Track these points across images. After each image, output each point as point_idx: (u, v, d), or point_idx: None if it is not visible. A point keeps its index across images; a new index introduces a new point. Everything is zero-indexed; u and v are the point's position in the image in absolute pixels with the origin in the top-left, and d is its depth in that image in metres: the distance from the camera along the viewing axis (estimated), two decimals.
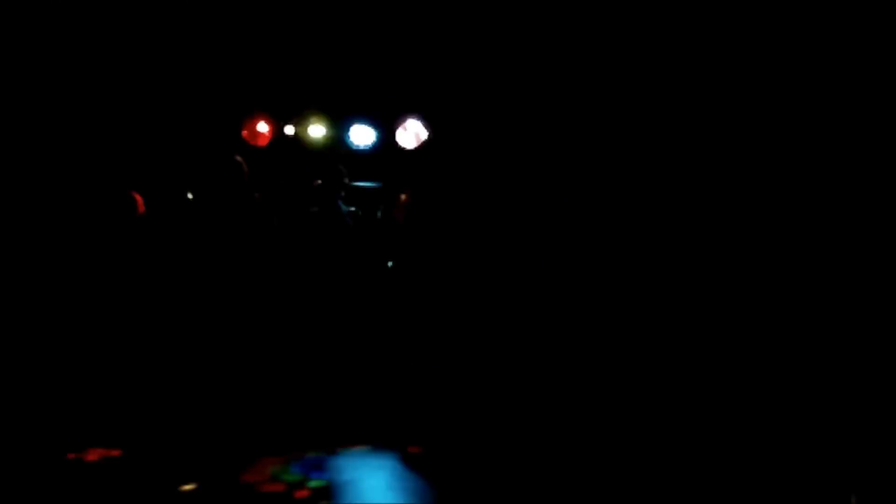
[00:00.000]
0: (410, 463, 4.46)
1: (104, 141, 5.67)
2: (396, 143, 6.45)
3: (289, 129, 6.45)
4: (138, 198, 5.08)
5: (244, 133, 6.26)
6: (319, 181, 5.11)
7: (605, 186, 5.80)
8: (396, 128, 6.45)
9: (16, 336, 4.92)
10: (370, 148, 6.42)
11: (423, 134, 6.45)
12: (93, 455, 4.39)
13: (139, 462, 4.33)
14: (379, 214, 5.49)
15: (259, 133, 6.31)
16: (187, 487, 4.05)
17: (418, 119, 6.48)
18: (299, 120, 6.43)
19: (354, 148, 6.42)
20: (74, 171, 5.40)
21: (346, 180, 5.26)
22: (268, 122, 6.33)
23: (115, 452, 4.42)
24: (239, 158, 4.93)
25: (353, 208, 5.30)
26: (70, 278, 5.03)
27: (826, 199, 5.19)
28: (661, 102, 6.41)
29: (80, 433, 4.61)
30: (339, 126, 6.42)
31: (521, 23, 6.62)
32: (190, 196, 5.21)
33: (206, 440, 4.61)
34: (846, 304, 4.85)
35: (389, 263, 5.21)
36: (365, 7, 6.66)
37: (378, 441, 4.72)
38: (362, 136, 6.39)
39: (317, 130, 6.41)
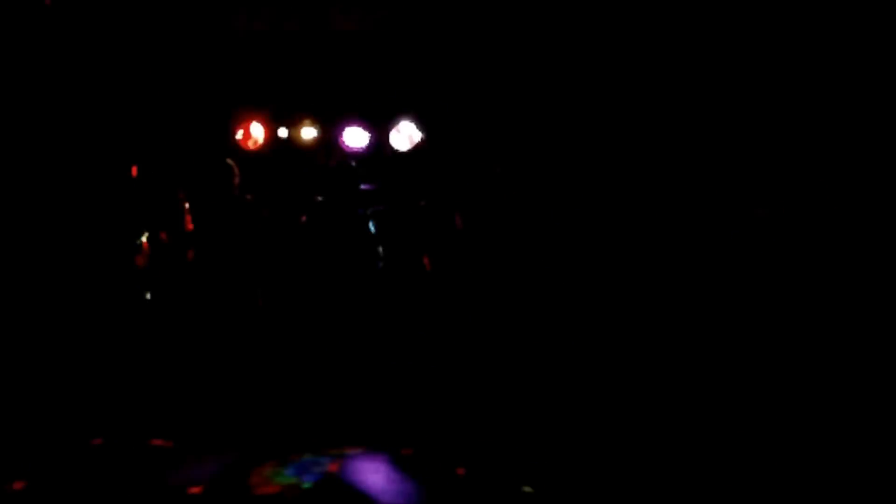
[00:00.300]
0: (403, 465, 4.46)
1: (96, 142, 5.67)
2: (390, 146, 6.45)
3: (282, 132, 6.43)
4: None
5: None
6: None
7: (605, 187, 5.80)
8: (389, 130, 6.44)
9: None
10: (363, 150, 6.41)
11: (417, 136, 6.44)
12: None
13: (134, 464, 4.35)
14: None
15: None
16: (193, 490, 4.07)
17: (412, 121, 6.47)
18: (292, 122, 6.42)
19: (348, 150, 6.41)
20: (68, 173, 5.40)
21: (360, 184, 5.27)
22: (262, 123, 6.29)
23: None
24: (230, 162, 4.94)
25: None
26: (64, 282, 5.04)
27: (826, 199, 5.19)
28: (660, 103, 6.40)
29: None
30: (332, 128, 6.41)
31: (517, 22, 6.62)
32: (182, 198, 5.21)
33: (202, 442, 4.62)
34: (846, 304, 4.85)
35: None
36: (359, 8, 6.66)
37: (371, 443, 4.72)
38: (355, 138, 6.38)
39: (309, 132, 6.39)
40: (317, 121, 6.43)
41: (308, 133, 6.41)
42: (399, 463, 4.49)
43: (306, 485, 4.22)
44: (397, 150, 6.42)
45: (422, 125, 6.49)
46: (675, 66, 6.33)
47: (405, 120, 6.45)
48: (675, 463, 4.31)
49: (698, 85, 6.16)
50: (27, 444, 4.48)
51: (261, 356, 5.01)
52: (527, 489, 4.15)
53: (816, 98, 5.67)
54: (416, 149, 6.44)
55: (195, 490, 4.05)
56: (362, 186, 5.91)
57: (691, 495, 4.03)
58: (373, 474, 4.36)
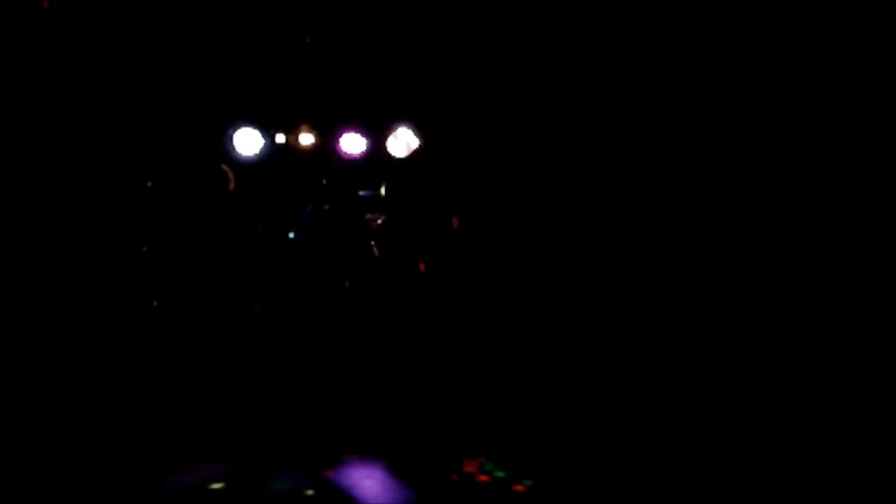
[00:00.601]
0: (398, 471, 4.45)
1: (94, 146, 5.67)
2: (387, 152, 6.44)
3: (280, 138, 6.43)
4: None
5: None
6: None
7: (604, 191, 5.80)
8: (387, 136, 6.44)
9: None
10: (361, 156, 6.41)
11: (415, 142, 6.44)
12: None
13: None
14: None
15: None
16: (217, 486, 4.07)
17: (409, 126, 6.47)
18: (290, 128, 6.42)
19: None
20: (64, 180, 5.41)
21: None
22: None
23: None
24: (225, 167, 4.94)
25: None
26: (62, 289, 5.05)
27: (826, 200, 5.17)
28: (658, 105, 6.39)
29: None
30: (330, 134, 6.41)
31: (514, 27, 6.62)
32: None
33: (196, 448, 4.62)
34: (846, 305, 4.83)
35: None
36: (354, 12, 6.66)
37: (366, 449, 4.71)
38: (352, 144, 6.38)
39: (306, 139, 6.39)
40: (314, 127, 6.44)
41: (305, 139, 6.40)
42: (394, 469, 4.49)
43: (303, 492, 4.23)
44: (395, 157, 6.42)
45: (419, 131, 6.50)
46: (672, 74, 6.33)
47: (402, 126, 6.46)
48: (675, 465, 4.30)
49: (691, 101, 6.15)
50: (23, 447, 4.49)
51: (257, 362, 5.00)
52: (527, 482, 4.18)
53: (817, 98, 5.65)
54: (414, 155, 6.43)
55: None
56: (360, 192, 5.91)
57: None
58: (367, 480, 4.36)
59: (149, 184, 5.28)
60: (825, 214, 5.12)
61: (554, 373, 5.13)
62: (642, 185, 5.90)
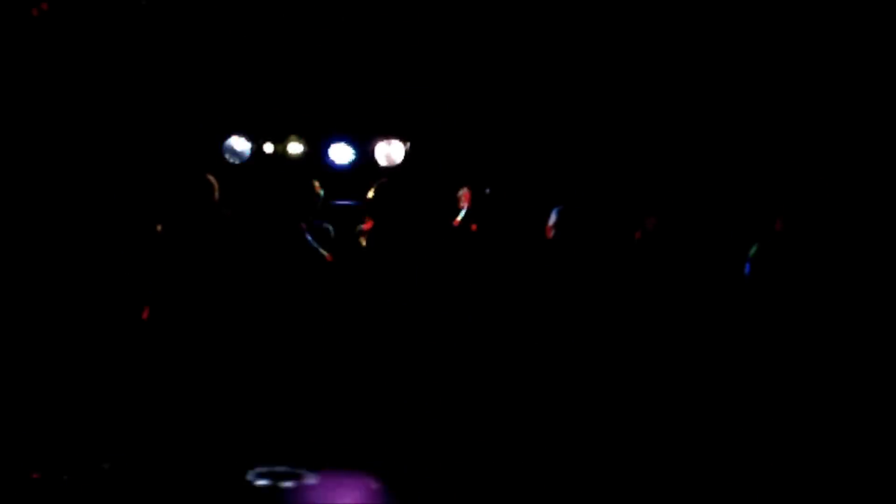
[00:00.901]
0: (388, 484, 4.42)
1: (80, 155, 5.68)
2: (375, 162, 6.46)
3: (268, 147, 6.45)
4: None
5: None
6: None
7: (597, 203, 5.81)
8: (375, 146, 6.46)
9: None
10: (349, 166, 6.44)
11: (402, 152, 6.46)
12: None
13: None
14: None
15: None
16: None
17: (397, 137, 6.49)
18: (278, 138, 6.44)
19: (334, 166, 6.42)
20: (55, 184, 5.42)
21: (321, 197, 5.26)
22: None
23: None
24: (210, 177, 4.93)
25: (328, 226, 5.28)
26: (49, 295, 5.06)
27: (827, 200, 5.18)
28: (656, 106, 6.41)
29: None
30: (318, 144, 6.43)
31: (500, 40, 6.65)
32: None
33: (177, 457, 4.58)
34: (847, 306, 4.83)
35: None
36: (345, 24, 6.68)
37: (354, 462, 4.67)
38: (341, 154, 6.40)
39: (295, 148, 6.41)
40: (302, 137, 6.46)
41: (293, 149, 6.43)
42: (383, 482, 4.45)
43: None
44: (382, 166, 6.44)
45: (408, 141, 6.51)
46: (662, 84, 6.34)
47: (391, 136, 6.48)
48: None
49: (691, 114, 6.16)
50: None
51: (246, 371, 4.98)
52: None
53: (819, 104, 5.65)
54: (402, 164, 6.45)
55: None
56: (346, 202, 5.91)
57: None
58: (356, 492, 4.33)
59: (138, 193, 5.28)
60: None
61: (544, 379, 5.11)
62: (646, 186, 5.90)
